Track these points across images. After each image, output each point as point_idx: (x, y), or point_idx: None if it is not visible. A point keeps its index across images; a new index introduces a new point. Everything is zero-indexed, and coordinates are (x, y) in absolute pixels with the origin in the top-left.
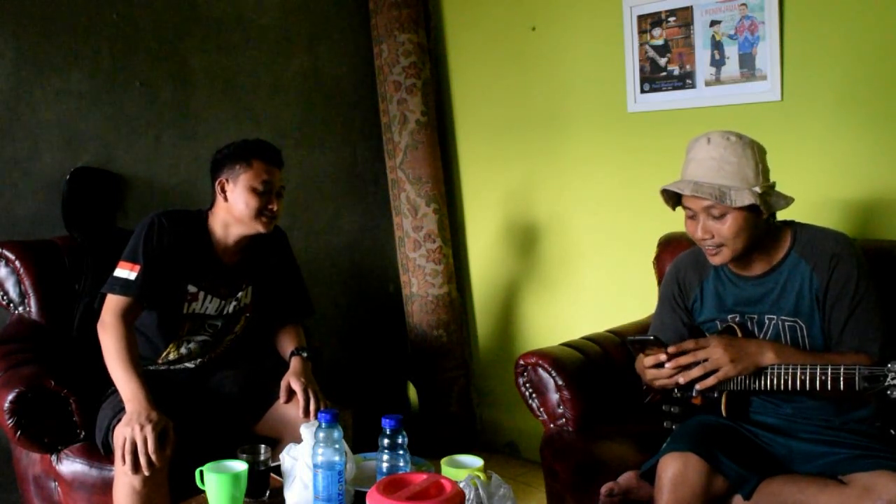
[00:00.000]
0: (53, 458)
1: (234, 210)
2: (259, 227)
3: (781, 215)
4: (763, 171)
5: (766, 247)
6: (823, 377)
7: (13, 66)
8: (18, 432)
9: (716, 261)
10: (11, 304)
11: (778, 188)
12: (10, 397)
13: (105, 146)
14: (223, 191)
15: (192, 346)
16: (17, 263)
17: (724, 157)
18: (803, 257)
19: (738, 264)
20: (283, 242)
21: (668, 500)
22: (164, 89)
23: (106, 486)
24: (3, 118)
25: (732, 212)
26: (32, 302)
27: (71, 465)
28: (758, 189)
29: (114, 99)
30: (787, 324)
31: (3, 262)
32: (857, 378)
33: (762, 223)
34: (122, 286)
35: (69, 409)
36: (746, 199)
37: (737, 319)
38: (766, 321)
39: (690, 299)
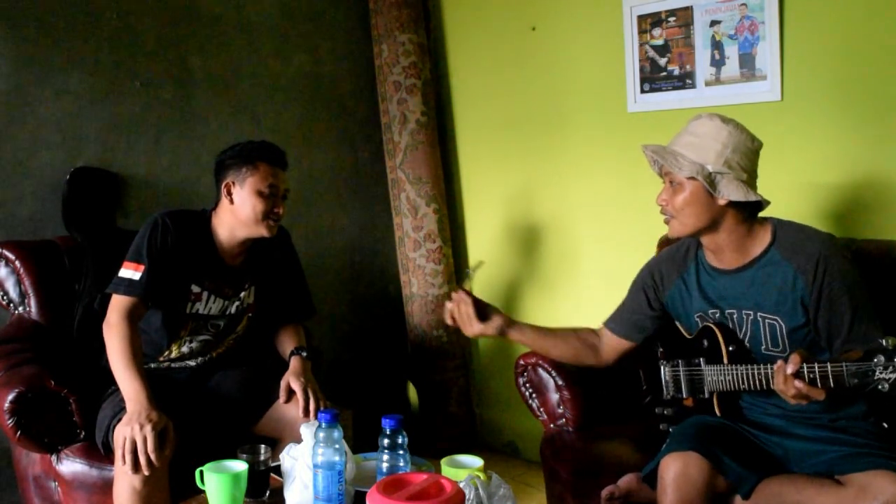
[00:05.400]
0: (53, 458)
1: (239, 213)
2: (263, 232)
3: (768, 213)
4: (728, 158)
5: (739, 240)
6: (811, 375)
7: (13, 66)
8: (18, 432)
9: (669, 232)
10: (11, 304)
11: (778, 187)
12: (10, 397)
13: (105, 146)
14: (229, 193)
15: (194, 345)
16: (17, 263)
17: (696, 132)
18: (786, 257)
19: (712, 256)
20: (286, 242)
21: (672, 499)
22: (164, 89)
23: (106, 486)
24: (3, 118)
25: (685, 184)
26: (32, 302)
27: (71, 465)
28: (709, 168)
29: (114, 99)
30: (766, 321)
31: (3, 262)
32: (844, 375)
33: (718, 209)
34: (127, 286)
35: (69, 409)
36: (686, 170)
37: (717, 316)
38: (745, 317)
39: (666, 292)
